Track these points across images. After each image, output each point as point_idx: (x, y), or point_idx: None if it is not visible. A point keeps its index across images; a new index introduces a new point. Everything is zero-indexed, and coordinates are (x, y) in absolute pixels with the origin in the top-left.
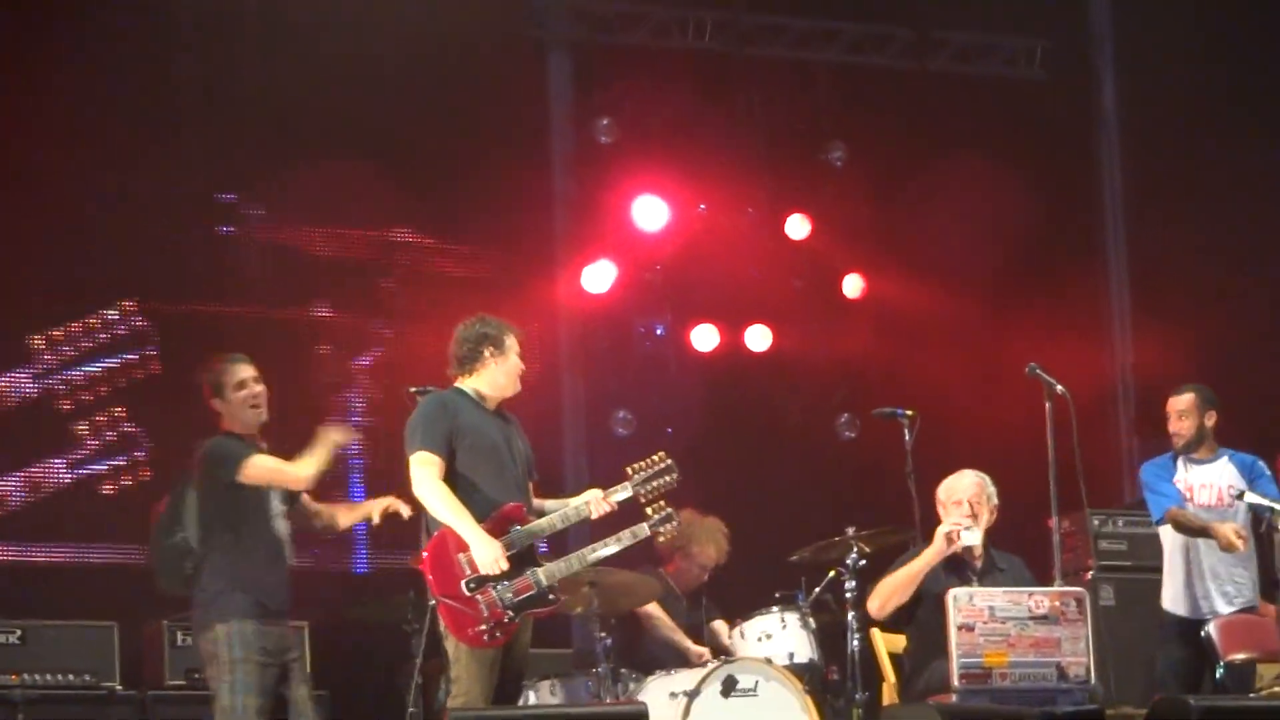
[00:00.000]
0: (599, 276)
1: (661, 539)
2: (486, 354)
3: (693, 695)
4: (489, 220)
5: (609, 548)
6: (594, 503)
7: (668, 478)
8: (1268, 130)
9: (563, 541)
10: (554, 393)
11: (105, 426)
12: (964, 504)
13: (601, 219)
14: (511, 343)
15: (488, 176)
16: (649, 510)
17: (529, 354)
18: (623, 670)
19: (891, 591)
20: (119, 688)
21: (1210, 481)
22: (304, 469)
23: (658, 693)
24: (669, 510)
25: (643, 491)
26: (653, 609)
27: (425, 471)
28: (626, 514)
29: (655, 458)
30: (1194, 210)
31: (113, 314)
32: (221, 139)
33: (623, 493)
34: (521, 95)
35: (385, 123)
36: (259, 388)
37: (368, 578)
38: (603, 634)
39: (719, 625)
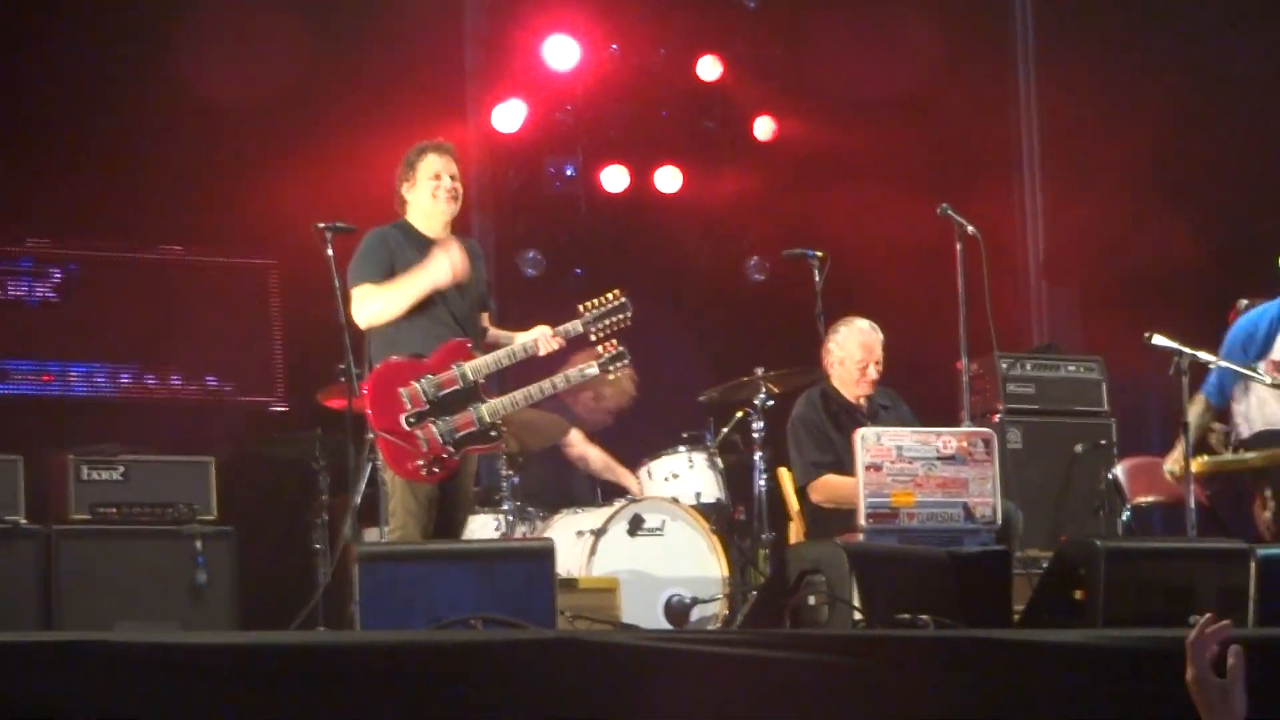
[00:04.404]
0: (509, 116)
1: (611, 377)
2: (404, 188)
3: (599, 533)
4: (398, 58)
5: (556, 385)
6: (542, 339)
7: (621, 315)
8: None
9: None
10: (463, 233)
11: None
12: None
13: (512, 58)
14: (424, 164)
15: (397, 14)
16: (600, 349)
17: None
18: (529, 509)
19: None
20: (23, 521)
21: None
22: None
23: (564, 530)
24: (621, 349)
25: (594, 329)
26: (586, 449)
27: (363, 297)
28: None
29: (609, 295)
30: (1105, 51)
31: None
32: None
33: (573, 329)
34: None
35: None
36: None
37: (275, 414)
38: (509, 472)
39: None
